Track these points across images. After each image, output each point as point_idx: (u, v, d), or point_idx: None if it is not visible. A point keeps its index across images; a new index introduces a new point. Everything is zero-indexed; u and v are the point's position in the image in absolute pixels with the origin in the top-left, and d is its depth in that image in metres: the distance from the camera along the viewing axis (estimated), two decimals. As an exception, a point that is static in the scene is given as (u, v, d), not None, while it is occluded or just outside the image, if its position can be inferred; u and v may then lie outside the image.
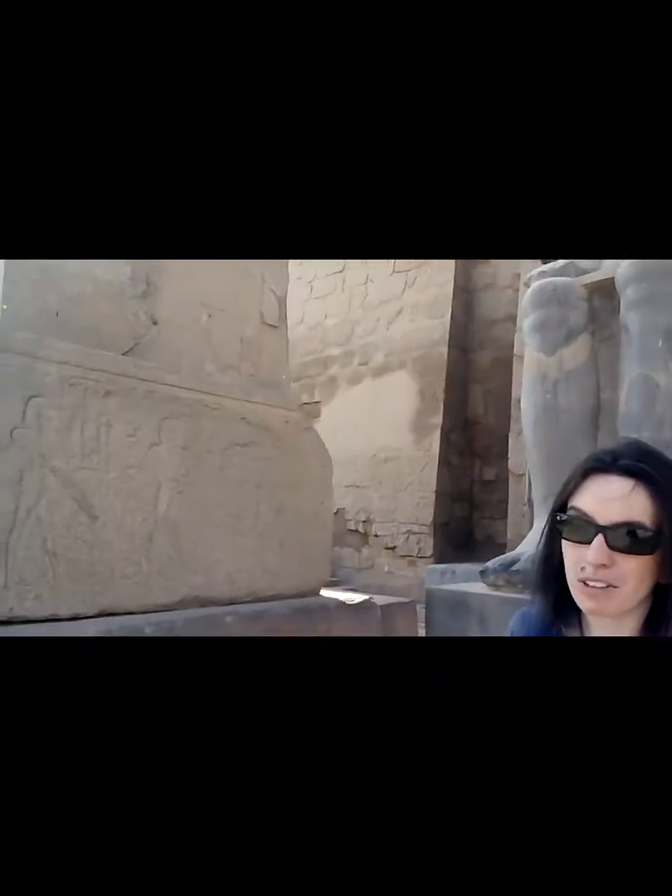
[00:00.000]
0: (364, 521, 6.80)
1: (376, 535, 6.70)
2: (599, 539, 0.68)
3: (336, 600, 1.97)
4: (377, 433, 6.71)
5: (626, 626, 0.73)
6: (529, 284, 3.20)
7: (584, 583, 0.69)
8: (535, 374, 2.94)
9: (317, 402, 7.55)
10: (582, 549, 0.69)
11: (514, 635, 0.83)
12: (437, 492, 6.07)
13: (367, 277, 7.46)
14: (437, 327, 6.74)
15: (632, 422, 2.52)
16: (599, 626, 0.75)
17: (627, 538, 0.67)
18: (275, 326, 2.32)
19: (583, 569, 0.69)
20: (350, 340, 7.43)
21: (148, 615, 1.56)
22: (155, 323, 1.96)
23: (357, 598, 2.03)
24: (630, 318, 2.64)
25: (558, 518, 0.74)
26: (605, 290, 2.96)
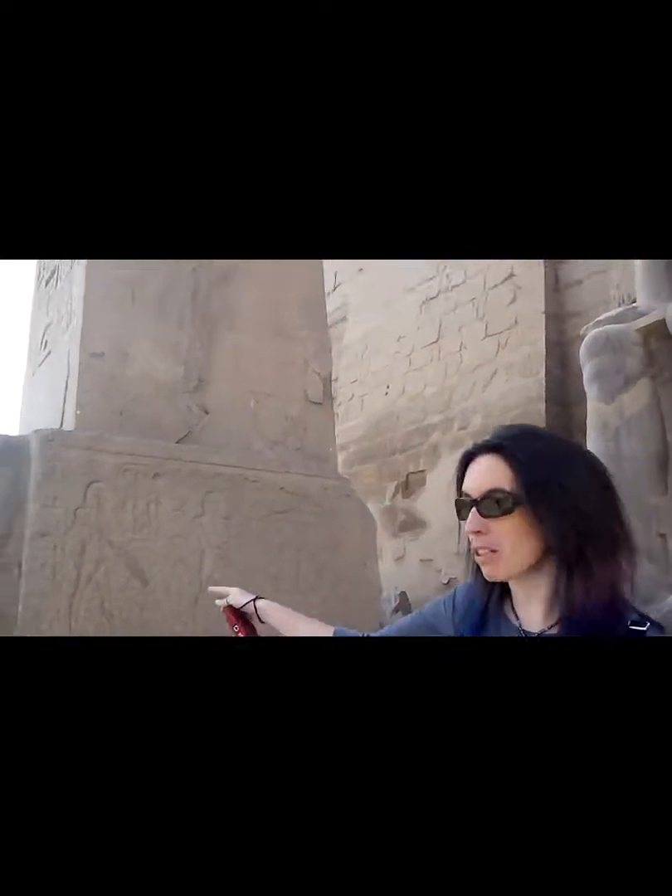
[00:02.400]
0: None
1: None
2: (474, 510, 0.79)
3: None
4: (479, 496, 6.65)
5: (539, 589, 0.80)
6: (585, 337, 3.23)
7: (477, 552, 0.81)
8: (596, 423, 2.93)
9: (422, 471, 7.65)
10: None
11: (457, 600, 0.91)
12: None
13: (461, 344, 7.61)
14: (532, 385, 6.69)
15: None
16: (519, 588, 0.84)
17: (492, 503, 0.78)
18: (319, 403, 2.57)
19: (470, 540, 0.81)
20: (449, 407, 7.54)
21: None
22: (206, 412, 2.28)
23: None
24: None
25: (456, 509, 0.84)
26: (662, 332, 2.93)
